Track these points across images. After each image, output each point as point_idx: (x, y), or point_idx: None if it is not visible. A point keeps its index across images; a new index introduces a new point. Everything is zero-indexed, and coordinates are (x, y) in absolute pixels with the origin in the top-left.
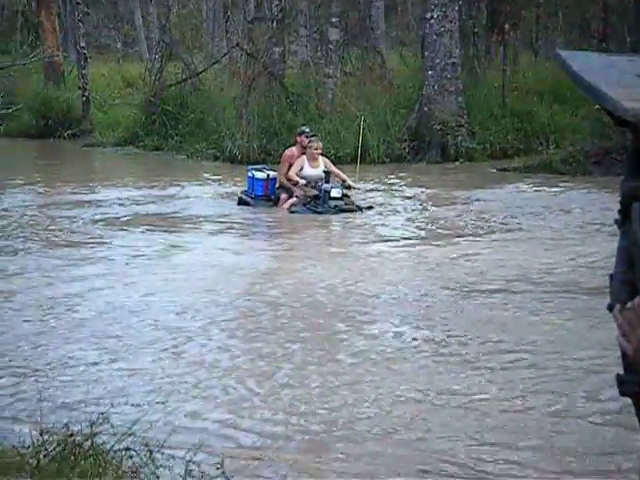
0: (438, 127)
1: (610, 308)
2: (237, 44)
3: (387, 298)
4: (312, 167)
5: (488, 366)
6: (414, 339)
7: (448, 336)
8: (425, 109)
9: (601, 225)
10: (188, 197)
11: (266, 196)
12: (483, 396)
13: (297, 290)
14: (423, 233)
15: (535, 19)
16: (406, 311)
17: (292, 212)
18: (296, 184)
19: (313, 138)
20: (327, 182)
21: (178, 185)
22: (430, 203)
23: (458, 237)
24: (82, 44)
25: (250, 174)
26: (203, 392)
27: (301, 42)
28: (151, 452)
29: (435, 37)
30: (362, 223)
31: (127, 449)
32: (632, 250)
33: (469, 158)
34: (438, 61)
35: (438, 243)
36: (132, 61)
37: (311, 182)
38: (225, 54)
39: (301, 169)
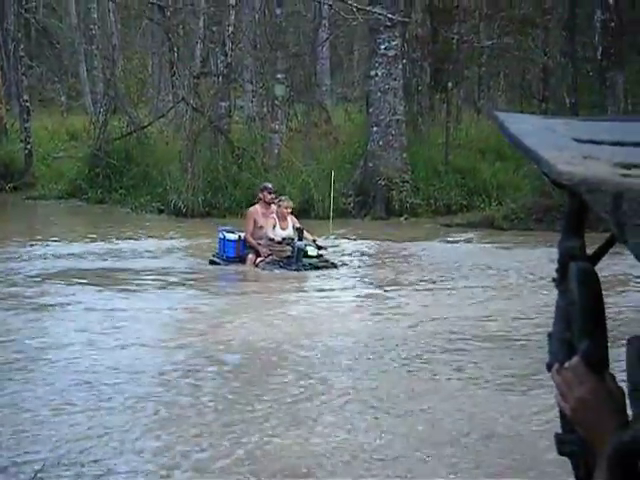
0: (383, 182)
1: (549, 367)
2: (183, 98)
3: (321, 349)
4: (282, 228)
5: (393, 413)
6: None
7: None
8: (370, 165)
9: (539, 279)
10: (133, 251)
11: (238, 257)
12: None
13: (233, 344)
14: (365, 287)
15: (477, 78)
16: (336, 361)
17: (263, 269)
18: (270, 240)
19: (283, 197)
20: (300, 240)
21: (123, 239)
22: (374, 258)
23: (397, 290)
24: (25, 97)
25: (221, 235)
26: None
27: (247, 97)
28: None
29: (379, 94)
30: (300, 277)
31: None
32: (569, 309)
33: (413, 214)
34: (383, 117)
35: (378, 296)
36: (76, 114)
37: (282, 243)
38: (171, 108)
39: (273, 228)
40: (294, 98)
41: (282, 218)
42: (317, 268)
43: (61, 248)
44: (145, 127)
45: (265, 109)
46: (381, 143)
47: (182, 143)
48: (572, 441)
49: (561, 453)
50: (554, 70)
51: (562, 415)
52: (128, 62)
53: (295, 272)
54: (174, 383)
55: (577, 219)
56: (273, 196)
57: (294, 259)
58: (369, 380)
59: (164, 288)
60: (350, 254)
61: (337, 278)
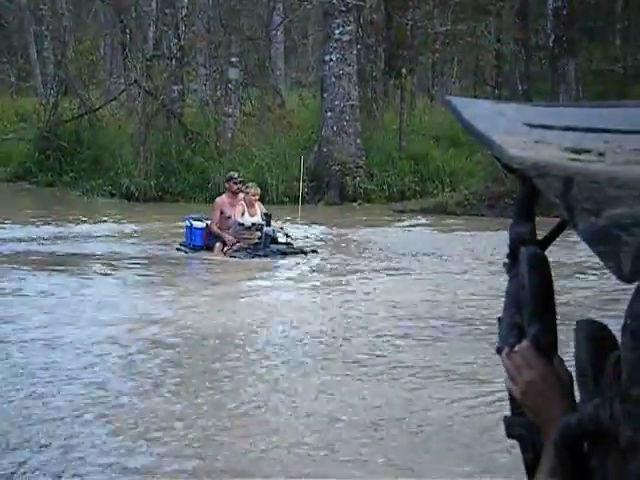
0: (337, 168)
1: (499, 351)
2: (135, 81)
3: (274, 336)
4: (250, 214)
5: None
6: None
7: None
8: (324, 150)
9: (489, 264)
10: (83, 235)
11: (206, 246)
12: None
13: (183, 329)
14: (323, 273)
15: (431, 65)
16: (293, 351)
17: (232, 257)
18: (239, 225)
19: (250, 184)
20: (268, 225)
21: (73, 223)
22: (329, 244)
23: (351, 276)
24: None
25: (188, 223)
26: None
27: (200, 81)
28: None
29: (334, 79)
30: (261, 264)
31: None
32: (520, 294)
33: (367, 199)
34: (337, 103)
35: (332, 282)
36: (26, 95)
37: (251, 228)
38: (123, 91)
39: (242, 215)
40: (248, 82)
41: (250, 205)
42: (285, 254)
43: (8, 231)
44: (96, 110)
45: (219, 93)
46: (335, 129)
47: (134, 126)
48: (521, 424)
49: (510, 436)
50: (507, 57)
51: (511, 398)
52: (79, 43)
53: (262, 259)
54: (119, 367)
55: (528, 204)
56: (239, 186)
57: (262, 245)
58: (321, 363)
59: (115, 273)
60: (306, 240)
61: (297, 264)
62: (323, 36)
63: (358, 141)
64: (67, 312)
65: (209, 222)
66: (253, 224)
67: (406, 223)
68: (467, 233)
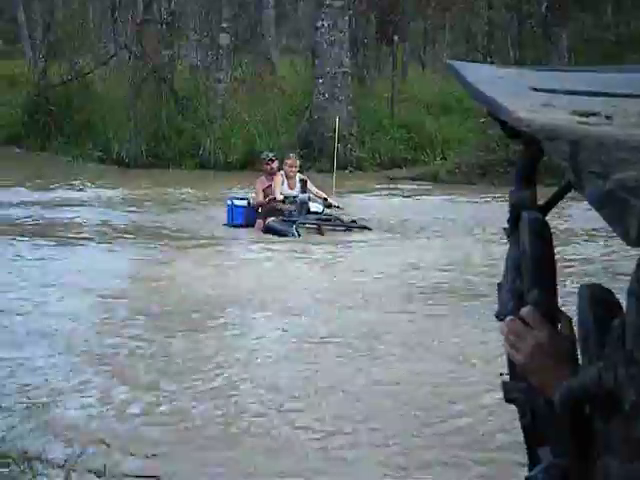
0: (328, 135)
1: (497, 316)
2: (125, 46)
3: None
4: (289, 187)
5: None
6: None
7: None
8: (315, 117)
9: (482, 232)
10: (73, 201)
11: (247, 224)
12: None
13: (167, 296)
14: (322, 243)
15: (423, 32)
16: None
17: (267, 228)
18: (272, 200)
19: (291, 155)
20: (304, 192)
21: (63, 189)
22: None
23: (349, 242)
24: None
25: (229, 202)
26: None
27: (191, 46)
28: (29, 460)
29: (326, 46)
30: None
31: (3, 457)
32: (521, 259)
33: (359, 167)
34: (328, 69)
35: (326, 247)
36: (15, 59)
37: (285, 202)
38: (112, 56)
39: (282, 185)
40: (239, 48)
41: (288, 177)
42: (345, 228)
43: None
44: (86, 74)
45: (209, 58)
46: (327, 95)
47: (125, 91)
48: (519, 389)
49: (507, 400)
50: (499, 24)
51: (510, 364)
52: (68, 7)
53: (290, 236)
54: (104, 330)
55: (529, 170)
56: (276, 164)
57: (297, 213)
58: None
59: (103, 240)
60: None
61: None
62: (315, 2)
63: (350, 108)
64: (50, 278)
65: (251, 200)
66: (286, 197)
67: (398, 191)
68: (458, 201)
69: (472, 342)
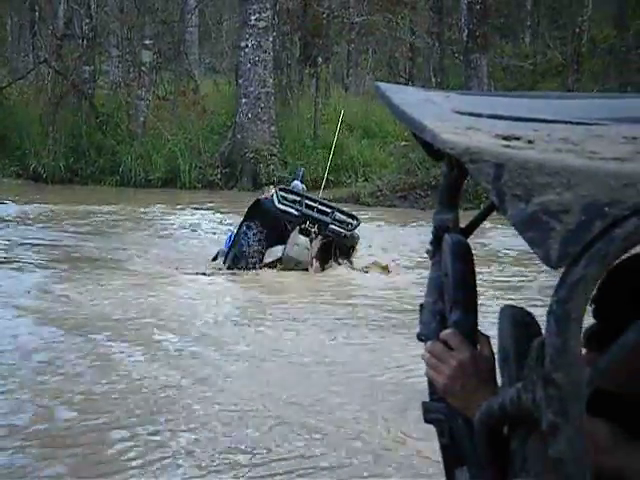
0: (251, 155)
1: (419, 337)
2: (45, 60)
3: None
4: None
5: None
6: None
7: None
8: (238, 136)
9: (399, 255)
10: None
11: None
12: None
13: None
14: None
15: (346, 55)
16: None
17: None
18: None
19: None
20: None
21: None
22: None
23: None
24: None
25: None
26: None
27: (112, 62)
28: None
29: (249, 66)
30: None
31: None
32: (443, 281)
33: None
34: (252, 89)
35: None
36: None
37: None
38: (31, 70)
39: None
40: (161, 65)
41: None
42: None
43: None
44: (3, 88)
45: (131, 75)
46: (250, 115)
47: (43, 106)
48: (438, 409)
49: (427, 420)
50: (421, 50)
51: (430, 385)
52: None
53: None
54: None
55: (453, 192)
56: None
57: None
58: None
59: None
60: (219, 223)
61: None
62: (239, 22)
63: (272, 128)
64: None
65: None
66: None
67: None
68: (379, 224)
69: None
